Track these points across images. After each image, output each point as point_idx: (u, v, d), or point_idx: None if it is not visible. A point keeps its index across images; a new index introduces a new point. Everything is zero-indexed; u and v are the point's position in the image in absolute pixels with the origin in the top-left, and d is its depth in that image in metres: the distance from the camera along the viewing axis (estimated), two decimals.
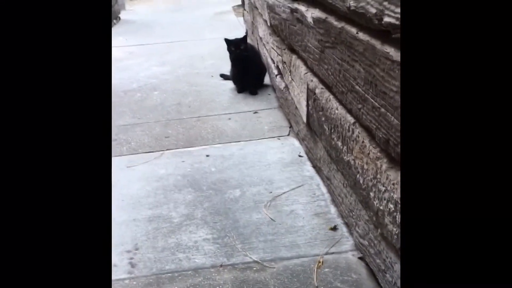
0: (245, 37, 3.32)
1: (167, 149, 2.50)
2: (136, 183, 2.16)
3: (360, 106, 1.34)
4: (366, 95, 1.27)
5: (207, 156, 2.38)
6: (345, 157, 1.56)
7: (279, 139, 2.55)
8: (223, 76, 3.63)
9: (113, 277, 1.56)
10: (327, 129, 1.77)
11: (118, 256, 1.66)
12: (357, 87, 1.34)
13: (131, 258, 1.65)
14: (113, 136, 2.73)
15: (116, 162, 2.39)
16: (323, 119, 1.81)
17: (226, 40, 3.26)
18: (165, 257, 1.64)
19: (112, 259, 1.65)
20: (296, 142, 2.47)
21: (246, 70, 3.26)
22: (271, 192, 2.01)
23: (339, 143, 1.61)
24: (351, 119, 1.46)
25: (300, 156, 2.31)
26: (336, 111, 1.61)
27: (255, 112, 2.95)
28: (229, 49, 3.27)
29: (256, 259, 1.59)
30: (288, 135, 2.59)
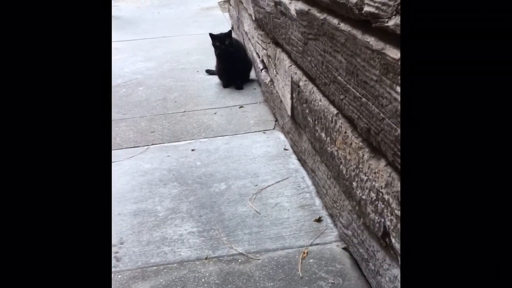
0: (230, 32, 3.29)
1: (152, 144, 2.49)
2: (121, 178, 2.15)
3: (342, 96, 1.35)
4: (348, 85, 1.28)
5: (193, 150, 2.38)
6: (328, 148, 1.57)
7: (264, 133, 2.55)
8: (209, 72, 3.63)
9: None
10: (311, 121, 1.77)
11: None
12: (339, 77, 1.35)
13: (116, 252, 1.64)
14: None
15: None
16: (307, 111, 1.82)
17: (211, 35, 3.24)
18: (150, 250, 1.64)
19: None
20: (281, 136, 2.48)
21: (232, 65, 3.25)
22: (256, 185, 2.01)
23: (323, 135, 1.62)
24: (334, 110, 1.47)
25: (285, 149, 2.32)
26: (320, 103, 1.61)
27: (241, 107, 2.95)
28: (214, 44, 3.25)
29: (241, 251, 1.60)
30: (274, 128, 2.59)
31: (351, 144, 1.33)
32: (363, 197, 1.26)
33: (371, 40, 1.07)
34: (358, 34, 1.16)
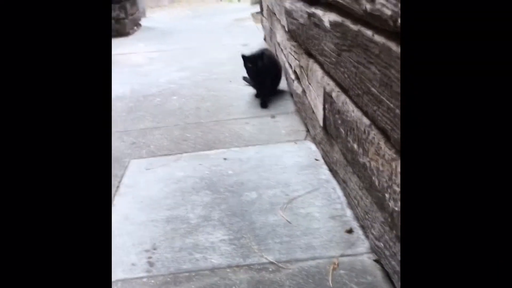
0: (261, 53, 3.15)
1: (185, 152, 2.54)
2: (154, 185, 2.20)
3: (375, 108, 1.35)
4: (381, 96, 1.28)
5: (225, 159, 2.41)
6: (360, 159, 1.57)
7: (295, 143, 2.56)
8: (245, 79, 3.65)
9: (132, 275, 1.60)
10: (343, 132, 1.78)
11: (137, 255, 1.70)
12: (372, 89, 1.35)
13: (150, 258, 1.68)
14: (133, 140, 2.78)
15: (136, 165, 2.44)
16: (339, 122, 1.82)
17: (243, 57, 3.13)
18: (182, 257, 1.67)
19: (131, 258, 1.69)
20: (312, 146, 2.48)
21: (263, 82, 3.29)
22: (287, 195, 2.02)
23: (355, 146, 1.62)
24: (366, 121, 1.47)
25: (316, 159, 2.32)
26: (352, 114, 1.62)
27: (273, 117, 2.97)
28: (245, 66, 3.17)
29: (271, 260, 1.61)
30: (305, 139, 2.60)
31: (383, 155, 1.32)
32: (396, 208, 1.25)
33: None
34: (392, 45, 1.16)
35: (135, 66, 4.77)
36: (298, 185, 2.10)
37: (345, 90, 1.70)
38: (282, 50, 3.53)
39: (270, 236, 1.75)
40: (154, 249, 1.73)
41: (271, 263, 1.60)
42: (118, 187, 2.22)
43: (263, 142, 2.60)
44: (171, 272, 1.60)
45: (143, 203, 2.05)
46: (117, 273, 1.61)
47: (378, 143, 1.36)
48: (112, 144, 2.66)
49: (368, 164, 1.49)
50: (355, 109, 1.59)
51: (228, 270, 1.57)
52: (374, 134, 1.41)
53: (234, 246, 1.70)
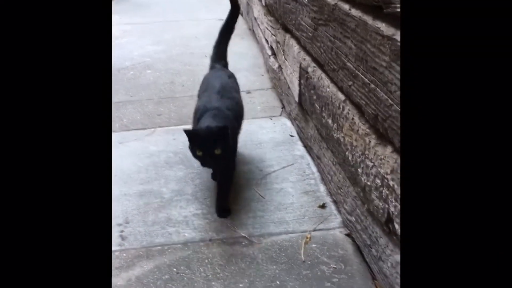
0: (223, 129, 1.61)
1: (159, 127, 2.51)
2: (127, 159, 2.17)
3: (351, 83, 1.35)
4: (357, 71, 1.28)
5: None
6: (335, 135, 1.58)
7: (271, 119, 2.55)
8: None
9: None
10: (318, 107, 1.78)
11: None
12: (348, 64, 1.35)
13: (122, 231, 1.66)
14: None
15: None
16: (314, 97, 1.82)
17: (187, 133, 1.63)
18: (155, 230, 1.66)
19: None
20: (288, 122, 2.48)
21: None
22: (261, 170, 2.02)
23: (330, 121, 1.62)
24: (342, 96, 1.47)
25: (291, 135, 2.33)
26: (328, 89, 1.61)
27: (248, 92, 2.95)
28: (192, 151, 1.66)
29: (244, 235, 1.61)
30: (280, 115, 2.60)
31: (357, 130, 1.33)
32: (368, 183, 1.27)
33: (382, 26, 1.07)
34: (369, 19, 1.16)
35: None
36: (273, 160, 2.10)
37: (321, 65, 1.69)
38: (259, 25, 3.49)
39: (243, 211, 1.75)
40: (127, 223, 1.71)
41: (244, 237, 1.60)
42: None
43: None
44: (143, 246, 1.59)
45: (115, 177, 2.01)
46: None
47: (353, 118, 1.37)
48: None
49: (342, 139, 1.50)
50: (331, 84, 1.58)
51: (201, 244, 1.57)
52: (348, 109, 1.41)
53: (207, 221, 1.70)
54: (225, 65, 2.16)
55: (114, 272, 1.48)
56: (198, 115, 1.75)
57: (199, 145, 1.58)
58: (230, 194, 1.79)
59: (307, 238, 1.58)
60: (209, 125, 1.60)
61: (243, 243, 1.57)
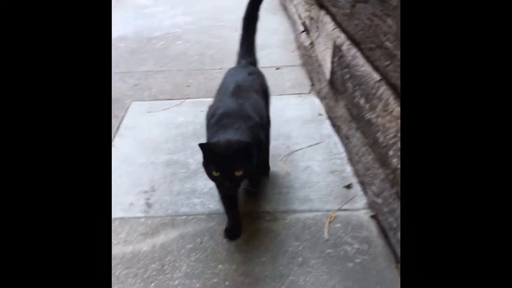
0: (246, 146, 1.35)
1: (187, 98, 2.51)
2: (155, 129, 2.18)
3: (388, 63, 1.31)
4: (395, 51, 1.25)
5: None
6: (366, 115, 1.55)
7: (299, 96, 2.53)
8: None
9: (130, 215, 1.61)
10: (350, 86, 1.74)
11: (136, 196, 1.71)
12: (387, 43, 1.31)
13: (148, 199, 1.69)
14: (135, 81, 2.74)
15: (137, 107, 2.41)
16: (347, 76, 1.78)
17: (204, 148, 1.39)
18: (180, 200, 1.67)
19: (130, 198, 1.70)
20: (316, 100, 2.45)
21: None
22: (288, 147, 2.01)
23: (362, 101, 1.60)
24: (377, 76, 1.44)
25: (319, 114, 2.30)
26: (362, 68, 1.58)
27: (277, 68, 2.92)
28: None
29: (269, 210, 1.62)
30: (309, 93, 2.56)
31: (391, 111, 1.30)
32: (399, 166, 1.25)
33: None
34: None
35: (140, 7, 4.64)
36: (300, 138, 2.09)
37: (356, 44, 1.65)
38: (292, 0, 3.43)
39: (269, 186, 1.75)
40: (153, 191, 1.73)
41: (268, 212, 1.61)
42: (118, 127, 2.21)
43: None
44: (168, 214, 1.61)
45: (143, 146, 2.04)
46: (115, 212, 1.62)
47: (387, 99, 1.34)
48: (113, 85, 2.63)
49: (374, 121, 1.47)
50: (366, 64, 1.55)
51: (225, 216, 1.59)
52: (383, 89, 1.38)
53: None
54: (252, 62, 1.85)
55: (139, 237, 1.51)
56: (214, 120, 1.48)
57: (216, 163, 1.31)
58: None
59: (331, 217, 1.58)
60: (230, 140, 1.33)
61: (267, 218, 1.58)
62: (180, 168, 1.86)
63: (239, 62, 1.84)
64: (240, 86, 1.60)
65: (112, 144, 2.06)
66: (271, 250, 1.44)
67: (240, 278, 1.35)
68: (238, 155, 1.29)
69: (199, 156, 1.94)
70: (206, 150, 1.32)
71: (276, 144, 2.03)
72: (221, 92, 1.66)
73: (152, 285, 1.33)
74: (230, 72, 1.79)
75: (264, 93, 1.75)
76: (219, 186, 1.45)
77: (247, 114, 1.47)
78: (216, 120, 1.47)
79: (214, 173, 1.31)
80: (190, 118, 2.28)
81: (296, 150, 1.98)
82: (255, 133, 1.45)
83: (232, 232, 1.51)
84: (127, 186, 1.76)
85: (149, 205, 1.66)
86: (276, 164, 1.88)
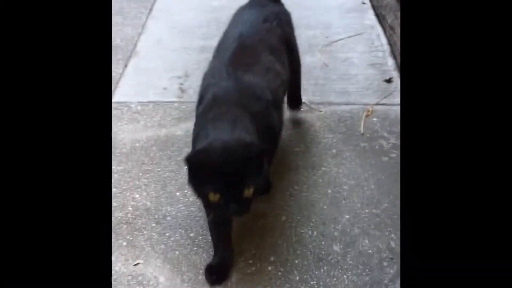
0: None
1: None
2: (189, 12, 2.09)
3: None
4: None
5: None
6: None
7: None
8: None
9: (164, 99, 1.61)
10: None
11: (169, 80, 1.69)
12: None
13: (181, 84, 1.67)
14: None
15: None
16: None
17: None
18: None
19: (163, 83, 1.68)
20: None
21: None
22: (327, 37, 1.91)
23: None
24: None
25: (363, 3, 2.15)
26: None
27: None
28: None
29: (304, 101, 1.57)
30: None
31: None
32: None
33: None
34: None
35: None
36: (340, 28, 1.97)
37: None
38: None
39: (305, 77, 1.68)
40: (186, 76, 1.70)
41: (304, 103, 1.57)
42: (150, 10, 2.13)
43: None
44: None
45: (176, 29, 1.97)
46: (149, 95, 1.62)
47: None
48: None
49: None
50: None
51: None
52: None
53: None
54: None
55: (173, 122, 1.52)
56: (202, 108, 1.07)
57: (214, 181, 0.88)
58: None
59: (368, 111, 1.53)
60: (229, 141, 0.92)
61: (302, 109, 1.55)
62: None
63: None
64: (245, 43, 1.15)
65: (145, 26, 2.00)
66: (304, 141, 1.43)
67: (271, 167, 1.35)
68: (246, 165, 0.88)
69: None
70: (195, 163, 0.91)
71: (314, 33, 1.93)
72: (218, 55, 1.22)
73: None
74: (237, 16, 1.34)
75: (288, 47, 1.29)
76: (217, 211, 0.96)
77: (252, 94, 1.05)
78: (205, 108, 1.05)
79: (212, 197, 0.89)
80: (224, 2, 2.16)
81: (336, 41, 1.89)
82: (265, 121, 1.04)
83: (217, 273, 1.06)
84: (161, 71, 1.74)
85: (182, 90, 1.64)
86: (313, 55, 1.80)
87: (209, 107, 1.03)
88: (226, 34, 1.27)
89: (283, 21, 1.29)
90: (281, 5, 1.35)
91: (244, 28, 1.20)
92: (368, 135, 1.44)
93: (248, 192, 0.90)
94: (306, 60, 1.76)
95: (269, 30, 1.21)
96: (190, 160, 0.90)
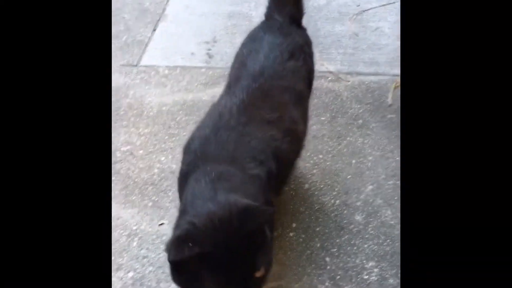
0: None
1: None
2: None
3: None
4: None
5: None
6: None
7: None
8: None
9: (191, 64, 1.61)
10: None
11: (197, 46, 1.68)
12: None
13: (209, 50, 1.66)
14: None
15: None
16: None
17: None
18: None
19: (191, 48, 1.68)
20: None
21: None
22: (358, 5, 1.86)
23: None
24: None
25: None
26: None
27: None
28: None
29: (332, 70, 1.56)
30: None
31: None
32: None
33: None
34: None
35: None
36: None
37: None
38: None
39: (334, 46, 1.67)
40: (214, 41, 1.70)
41: (331, 72, 1.55)
42: None
43: None
44: (229, 67, 1.58)
45: None
46: (177, 60, 1.62)
47: None
48: None
49: None
50: None
51: None
52: None
53: None
54: (296, 15, 1.14)
55: (199, 87, 1.53)
56: (186, 166, 0.90)
57: (212, 267, 0.69)
58: None
59: (397, 82, 1.50)
60: (232, 207, 0.72)
61: (329, 78, 1.53)
62: (243, 21, 1.79)
63: (269, 16, 1.14)
64: (265, 88, 0.94)
65: None
66: (331, 110, 1.42)
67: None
68: (253, 239, 0.69)
69: (262, 9, 1.84)
70: (182, 243, 0.69)
71: (345, 1, 1.88)
72: (230, 92, 1.01)
73: None
74: (255, 42, 1.06)
75: (309, 89, 1.11)
76: None
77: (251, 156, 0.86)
78: (188, 166, 0.87)
79: None
80: None
81: (367, 10, 1.84)
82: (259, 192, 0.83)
83: None
84: (188, 35, 1.73)
85: (210, 55, 1.64)
86: (343, 23, 1.76)
87: (193, 164, 0.87)
88: (242, 64, 1.04)
89: (308, 55, 1.09)
90: (304, 30, 1.15)
91: (266, 64, 0.98)
92: (396, 106, 1.42)
93: (260, 273, 0.71)
94: (336, 29, 1.74)
95: (295, 72, 1.01)
96: (176, 242, 0.68)
